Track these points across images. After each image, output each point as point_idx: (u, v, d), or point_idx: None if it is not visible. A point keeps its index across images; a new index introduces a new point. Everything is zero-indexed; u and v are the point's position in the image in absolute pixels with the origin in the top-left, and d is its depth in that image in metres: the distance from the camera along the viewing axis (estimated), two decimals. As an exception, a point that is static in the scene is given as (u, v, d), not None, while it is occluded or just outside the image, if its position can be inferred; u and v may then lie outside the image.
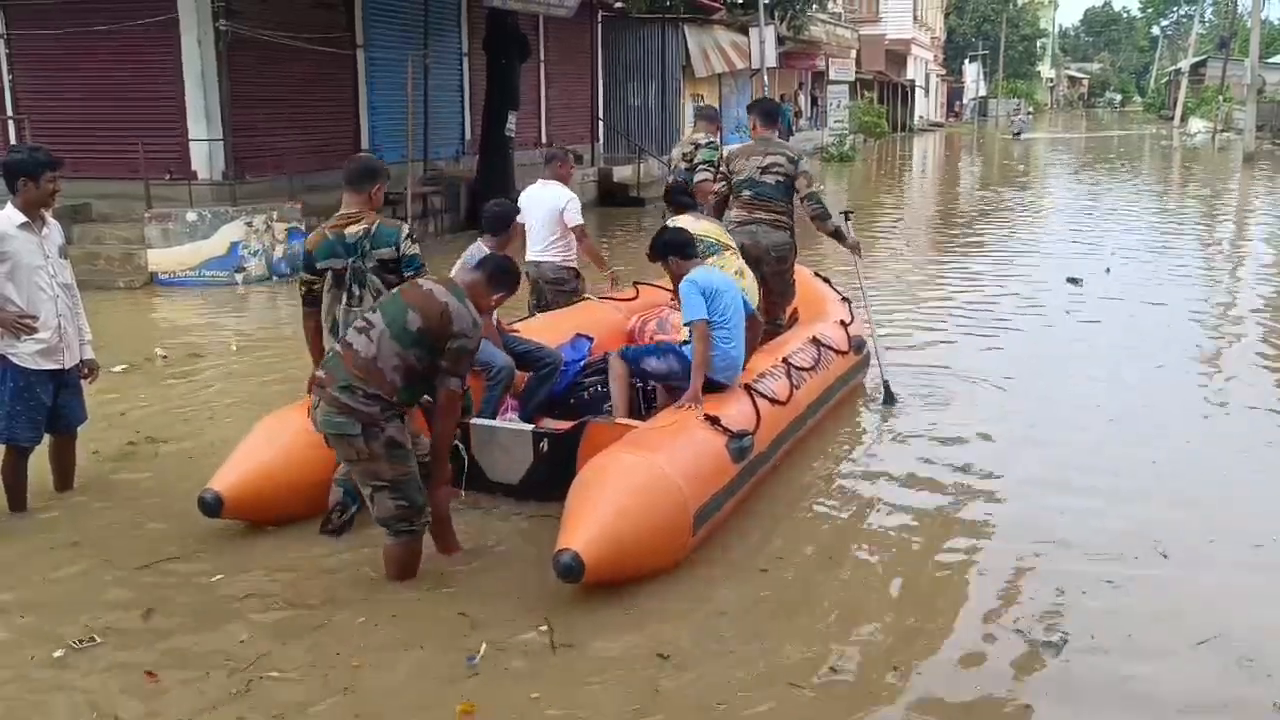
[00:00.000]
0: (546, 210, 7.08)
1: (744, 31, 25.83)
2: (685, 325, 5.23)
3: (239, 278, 11.45)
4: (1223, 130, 41.51)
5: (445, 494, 4.44)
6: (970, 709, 3.53)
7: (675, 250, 5.51)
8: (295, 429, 4.83)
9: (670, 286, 6.01)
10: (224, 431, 6.40)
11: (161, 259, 11.44)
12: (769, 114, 7.19)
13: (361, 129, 15.18)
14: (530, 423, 5.45)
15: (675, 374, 5.37)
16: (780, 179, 6.65)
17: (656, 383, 5.59)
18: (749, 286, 5.99)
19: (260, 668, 3.72)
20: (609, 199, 19.69)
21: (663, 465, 4.47)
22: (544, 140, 20.20)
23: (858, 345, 6.89)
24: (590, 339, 6.42)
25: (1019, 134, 45.87)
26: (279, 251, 11.77)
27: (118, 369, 7.72)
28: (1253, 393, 7.22)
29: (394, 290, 4.39)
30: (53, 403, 5.07)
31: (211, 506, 4.70)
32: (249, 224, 11.56)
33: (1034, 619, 4.07)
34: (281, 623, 4.08)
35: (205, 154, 12.51)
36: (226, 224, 11.49)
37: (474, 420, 5.24)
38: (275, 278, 11.63)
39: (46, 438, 5.17)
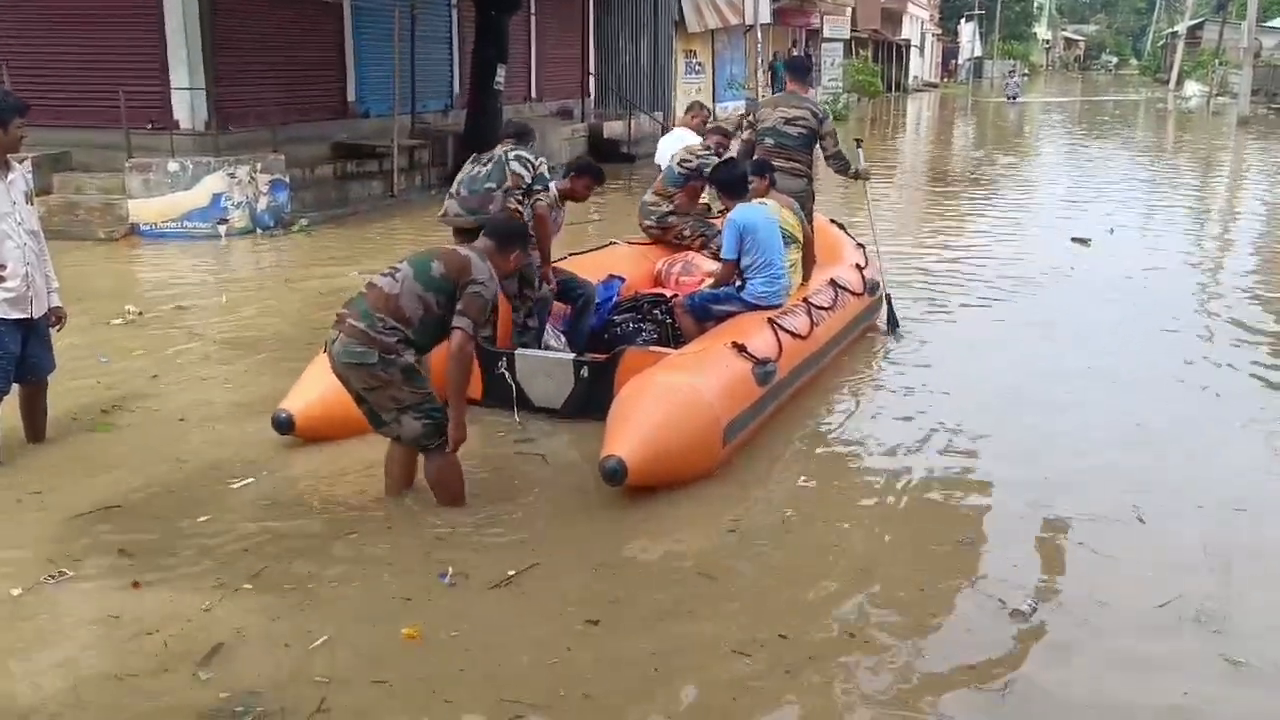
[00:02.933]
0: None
1: (738, -14, 25.50)
2: (723, 258, 6.15)
3: (222, 229, 11.26)
4: (1218, 94, 41.29)
5: (459, 436, 4.42)
6: (928, 677, 3.43)
7: (724, 188, 6.27)
8: None
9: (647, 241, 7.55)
10: (200, 391, 6.30)
11: (142, 210, 11.24)
12: (800, 70, 7.84)
13: (348, 81, 14.89)
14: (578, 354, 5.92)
15: (736, 315, 5.96)
16: (803, 131, 7.12)
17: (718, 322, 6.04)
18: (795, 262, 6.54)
19: (238, 582, 3.93)
20: (599, 155, 19.45)
21: (696, 384, 4.96)
22: (533, 95, 19.93)
23: (872, 287, 7.37)
24: (622, 279, 6.92)
25: (1014, 98, 45.29)
26: (263, 204, 11.59)
27: (116, 321, 7.62)
28: (1244, 357, 7.16)
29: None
30: (21, 352, 4.95)
31: (284, 425, 5.14)
32: (232, 175, 11.35)
33: (1006, 584, 3.99)
34: (266, 547, 4.22)
35: (187, 103, 12.25)
36: (209, 175, 11.29)
37: (519, 351, 5.76)
38: (259, 230, 11.46)
39: (16, 388, 5.05)
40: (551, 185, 6.14)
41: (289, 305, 8.39)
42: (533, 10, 19.41)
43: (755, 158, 6.99)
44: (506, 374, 5.67)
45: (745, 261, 6.08)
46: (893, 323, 7.51)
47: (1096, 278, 9.48)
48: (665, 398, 4.83)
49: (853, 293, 6.94)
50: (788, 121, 7.11)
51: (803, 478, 5.06)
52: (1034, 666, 3.50)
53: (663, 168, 8.01)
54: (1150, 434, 5.68)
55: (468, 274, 4.32)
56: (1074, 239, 11.17)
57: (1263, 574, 4.17)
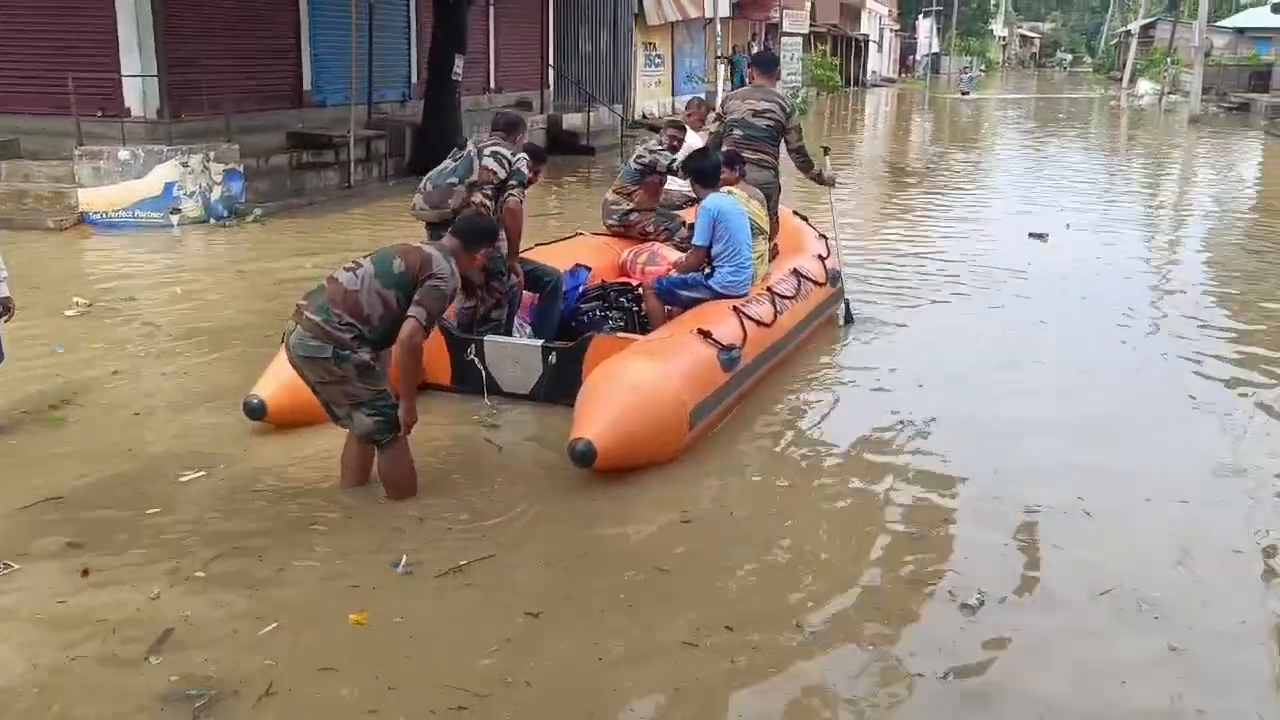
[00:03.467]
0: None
1: (698, -20, 25.51)
2: (692, 246, 6.25)
3: (174, 219, 11.10)
4: (1170, 92, 41.88)
5: (410, 419, 4.41)
6: (874, 667, 3.45)
7: (697, 177, 6.37)
8: None
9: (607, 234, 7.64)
10: (153, 382, 6.22)
11: (92, 198, 11.06)
12: (766, 64, 7.77)
13: (303, 69, 14.74)
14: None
15: (703, 302, 6.06)
16: (770, 124, 7.20)
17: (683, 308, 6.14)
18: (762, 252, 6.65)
19: (188, 570, 3.93)
20: (559, 147, 19.40)
21: (663, 370, 5.07)
22: (492, 86, 19.83)
23: (833, 278, 7.52)
24: (588, 269, 7.00)
25: (967, 94, 45.66)
26: (216, 193, 11.44)
27: (69, 312, 7.50)
28: (1197, 352, 7.25)
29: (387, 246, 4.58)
30: (-33, 343, 4.86)
31: (257, 410, 5.16)
32: (184, 164, 11.19)
33: (955, 576, 4.04)
34: (217, 536, 4.23)
35: (139, 91, 12.07)
36: (161, 163, 11.12)
37: (488, 337, 5.81)
38: (212, 220, 11.31)
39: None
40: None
41: (242, 296, 8.29)
42: (492, 1, 19.30)
43: (724, 148, 7.06)
44: (476, 360, 5.75)
45: (715, 250, 6.16)
46: (848, 316, 7.60)
47: (1053, 272, 9.58)
48: (633, 382, 4.93)
49: (815, 282, 7.08)
50: (756, 114, 7.20)
51: (756, 470, 5.08)
52: (978, 657, 3.55)
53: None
54: (1100, 427, 5.74)
55: (428, 269, 4.33)
56: (1032, 234, 11.28)
57: (1203, 564, 4.24)
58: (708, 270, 6.20)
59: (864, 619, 3.74)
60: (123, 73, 11.98)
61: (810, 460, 5.24)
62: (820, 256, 7.53)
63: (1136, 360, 7.03)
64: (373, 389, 4.32)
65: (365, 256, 4.47)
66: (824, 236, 7.94)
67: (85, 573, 3.88)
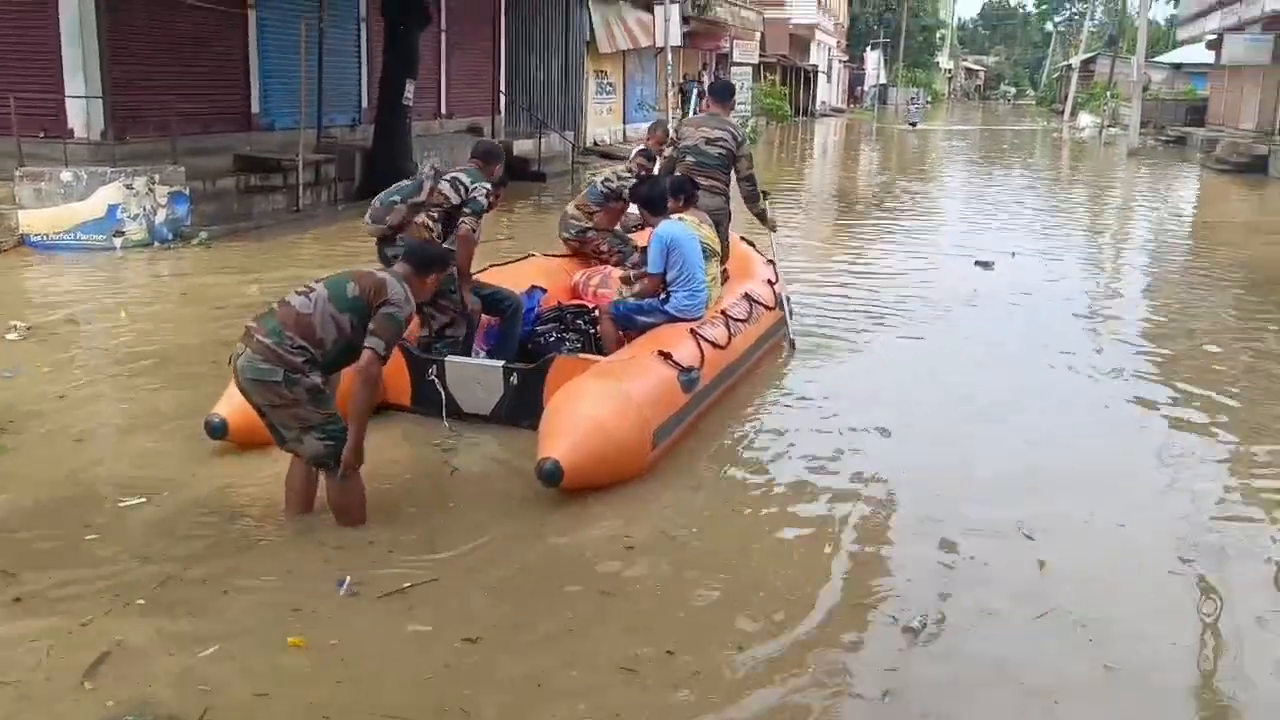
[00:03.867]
0: None
1: (649, 9, 25.72)
2: (650, 273, 6.28)
3: (117, 242, 10.96)
4: (1110, 125, 42.83)
5: (352, 460, 4.33)
6: (815, 692, 3.47)
7: (645, 204, 6.51)
8: None
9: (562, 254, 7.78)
10: (95, 407, 6.12)
11: (33, 220, 10.88)
12: (723, 93, 7.95)
13: (252, 92, 14.64)
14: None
15: (659, 325, 6.17)
16: (723, 152, 7.35)
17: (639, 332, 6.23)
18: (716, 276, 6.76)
19: (127, 595, 3.88)
20: (510, 173, 19.34)
21: (627, 390, 5.15)
22: (443, 111, 19.82)
23: (781, 302, 7.69)
24: (544, 290, 7.07)
25: (914, 124, 46.20)
26: (161, 216, 11.30)
27: (11, 336, 7.36)
28: (1137, 378, 7.41)
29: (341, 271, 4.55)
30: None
31: (218, 429, 5.14)
32: (129, 186, 11.05)
33: (899, 599, 4.08)
34: (157, 561, 4.17)
35: (83, 112, 11.92)
36: (104, 185, 10.98)
37: (449, 358, 5.80)
38: (157, 243, 11.17)
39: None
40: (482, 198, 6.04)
41: (187, 320, 8.20)
42: (443, 27, 19.32)
43: (675, 174, 7.16)
44: (436, 380, 5.74)
45: (670, 275, 6.25)
46: (790, 346, 7.63)
47: (998, 300, 9.74)
48: (598, 402, 5.01)
49: (765, 306, 7.25)
50: (709, 141, 7.34)
51: (702, 495, 5.10)
52: (918, 679, 3.59)
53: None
54: (1041, 451, 5.84)
55: (383, 295, 4.30)
56: (978, 263, 11.46)
57: (1138, 585, 4.32)
58: (663, 295, 6.30)
59: (806, 642, 3.76)
60: (67, 93, 11.83)
61: (754, 485, 5.27)
62: (769, 281, 7.70)
63: (1077, 386, 7.16)
64: (323, 413, 4.26)
65: (318, 281, 4.43)
66: (771, 261, 8.08)
67: (18, 600, 3.81)
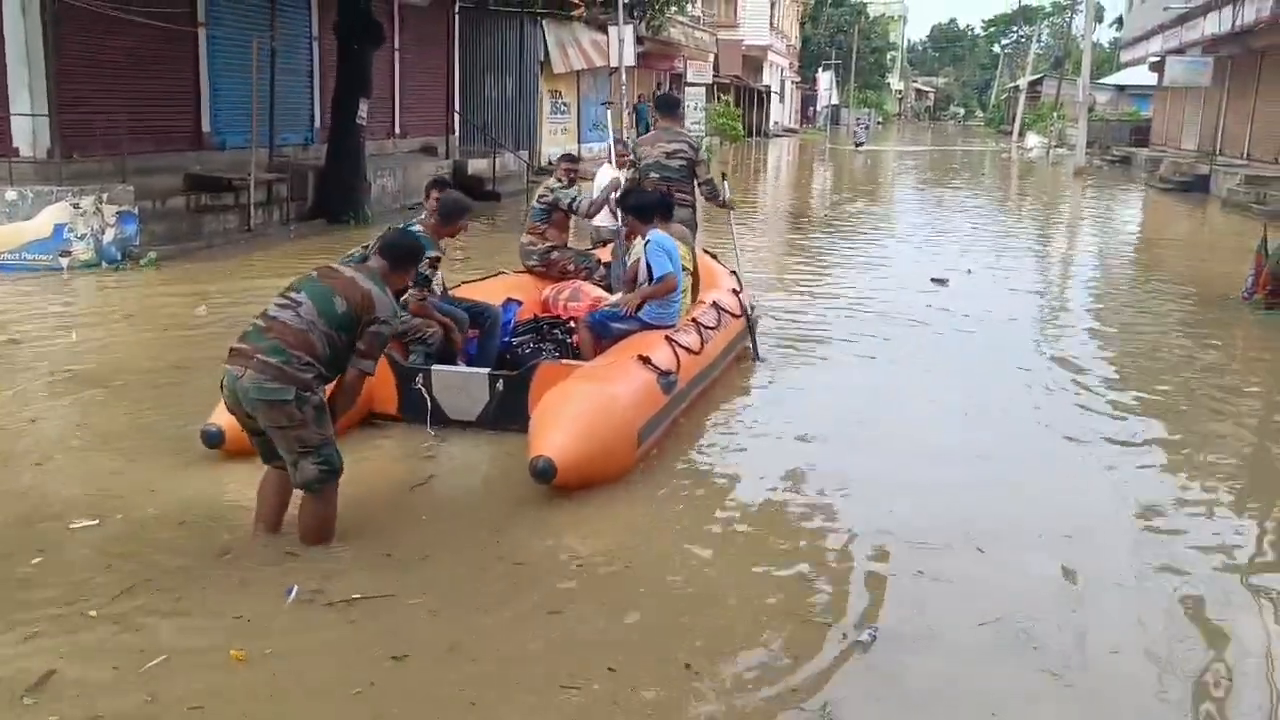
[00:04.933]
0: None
1: (604, 29, 25.81)
2: (659, 278, 6.42)
3: (64, 262, 10.79)
4: (1056, 145, 43.60)
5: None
6: (760, 708, 3.46)
7: (637, 213, 6.68)
8: None
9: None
10: (46, 430, 6.01)
11: (-23, 240, 10.69)
12: (668, 106, 8.33)
13: (202, 111, 14.51)
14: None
15: (634, 334, 6.38)
16: (684, 163, 7.67)
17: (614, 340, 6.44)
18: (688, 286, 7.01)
19: (74, 611, 3.86)
20: (464, 192, 19.32)
21: (612, 392, 5.42)
22: (397, 131, 19.76)
23: (745, 310, 7.85)
24: (519, 303, 7.27)
25: (860, 144, 45.42)
26: (109, 235, 11.14)
27: None
28: (1086, 392, 7.50)
29: (312, 273, 4.46)
30: None
31: (215, 438, 5.18)
32: (76, 205, 10.90)
33: (849, 614, 4.08)
34: (105, 580, 4.13)
35: (28, 130, 11.73)
36: (51, 204, 10.81)
37: (435, 367, 5.96)
38: (105, 263, 11.00)
39: None
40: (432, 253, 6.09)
41: (135, 341, 8.09)
42: (396, 46, 19.29)
43: (643, 193, 7.22)
44: (423, 389, 5.89)
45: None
46: (755, 354, 7.79)
47: (953, 316, 9.86)
48: (587, 403, 5.24)
49: (732, 314, 7.50)
50: (669, 155, 7.62)
51: (653, 510, 5.10)
52: (865, 692, 3.59)
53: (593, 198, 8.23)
54: (993, 466, 5.90)
55: (371, 311, 4.30)
56: (933, 279, 11.59)
57: (1082, 596, 4.37)
58: (637, 303, 6.51)
59: (755, 658, 3.74)
60: (12, 111, 11.64)
61: (701, 502, 5.26)
62: (734, 290, 7.90)
63: (1028, 402, 7.23)
64: (322, 434, 4.24)
65: (295, 291, 4.33)
66: (734, 272, 8.27)
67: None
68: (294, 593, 3.96)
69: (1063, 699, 3.59)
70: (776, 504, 5.23)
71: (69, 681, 3.40)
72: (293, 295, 4.31)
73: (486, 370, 6.09)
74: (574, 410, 5.14)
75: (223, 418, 5.07)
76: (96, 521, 4.64)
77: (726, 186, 8.20)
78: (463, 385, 5.95)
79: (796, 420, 6.51)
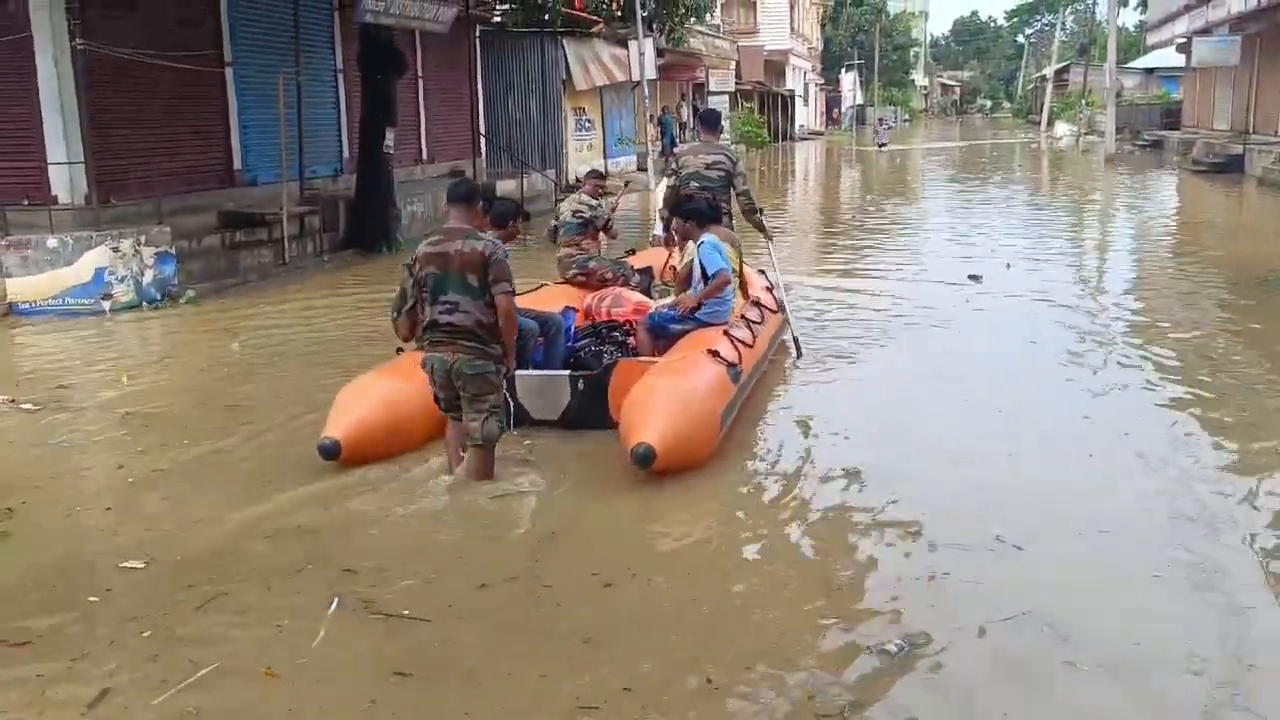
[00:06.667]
0: None
1: (623, 44, 25.92)
2: (712, 274, 6.80)
3: (106, 305, 10.97)
4: (1086, 133, 43.17)
5: (510, 369, 5.41)
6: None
7: (696, 218, 7.14)
8: (382, 386, 5.97)
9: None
10: (95, 474, 6.11)
11: (21, 288, 10.90)
12: (711, 122, 9.03)
13: (233, 148, 14.73)
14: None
15: (690, 332, 6.77)
16: (722, 174, 8.13)
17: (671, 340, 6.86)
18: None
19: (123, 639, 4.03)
20: (498, 213, 19.45)
21: (693, 383, 5.87)
22: (424, 157, 19.93)
23: (782, 306, 8.38)
24: (575, 310, 7.76)
25: (883, 145, 44.47)
26: (149, 276, 11.32)
27: (27, 405, 7.30)
28: (1127, 386, 7.44)
29: (431, 269, 5.20)
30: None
31: (331, 451, 5.58)
32: (115, 249, 11.08)
33: (879, 621, 4.05)
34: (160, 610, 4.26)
35: (66, 178, 11.96)
36: (90, 249, 11.00)
37: (518, 372, 6.12)
38: (145, 304, 11.18)
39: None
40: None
41: (181, 380, 8.21)
42: (420, 73, 19.47)
43: (694, 200, 7.59)
44: (506, 393, 5.96)
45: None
46: (798, 352, 8.12)
47: (990, 312, 9.82)
48: (674, 394, 5.67)
49: (771, 310, 7.95)
50: (708, 166, 8.12)
51: (676, 522, 5.15)
52: (891, 703, 3.55)
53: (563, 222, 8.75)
54: (1033, 462, 5.86)
55: (482, 256, 5.13)
56: (970, 276, 11.55)
57: (1114, 588, 4.35)
58: (694, 304, 6.93)
59: (778, 669, 3.72)
60: (49, 160, 11.88)
61: (731, 511, 5.30)
62: (769, 288, 8.35)
63: (1067, 397, 7.18)
64: (501, 395, 5.30)
65: (443, 294, 5.12)
66: (762, 271, 8.72)
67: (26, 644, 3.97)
68: (335, 604, 4.15)
69: (1092, 688, 3.57)
70: (805, 513, 5.22)
71: (126, 698, 3.60)
72: (445, 300, 5.17)
73: (567, 372, 6.47)
74: (663, 401, 5.53)
75: (337, 430, 5.62)
76: (146, 561, 4.70)
77: (763, 220, 8.59)
78: (544, 388, 6.33)
79: (829, 421, 6.57)
